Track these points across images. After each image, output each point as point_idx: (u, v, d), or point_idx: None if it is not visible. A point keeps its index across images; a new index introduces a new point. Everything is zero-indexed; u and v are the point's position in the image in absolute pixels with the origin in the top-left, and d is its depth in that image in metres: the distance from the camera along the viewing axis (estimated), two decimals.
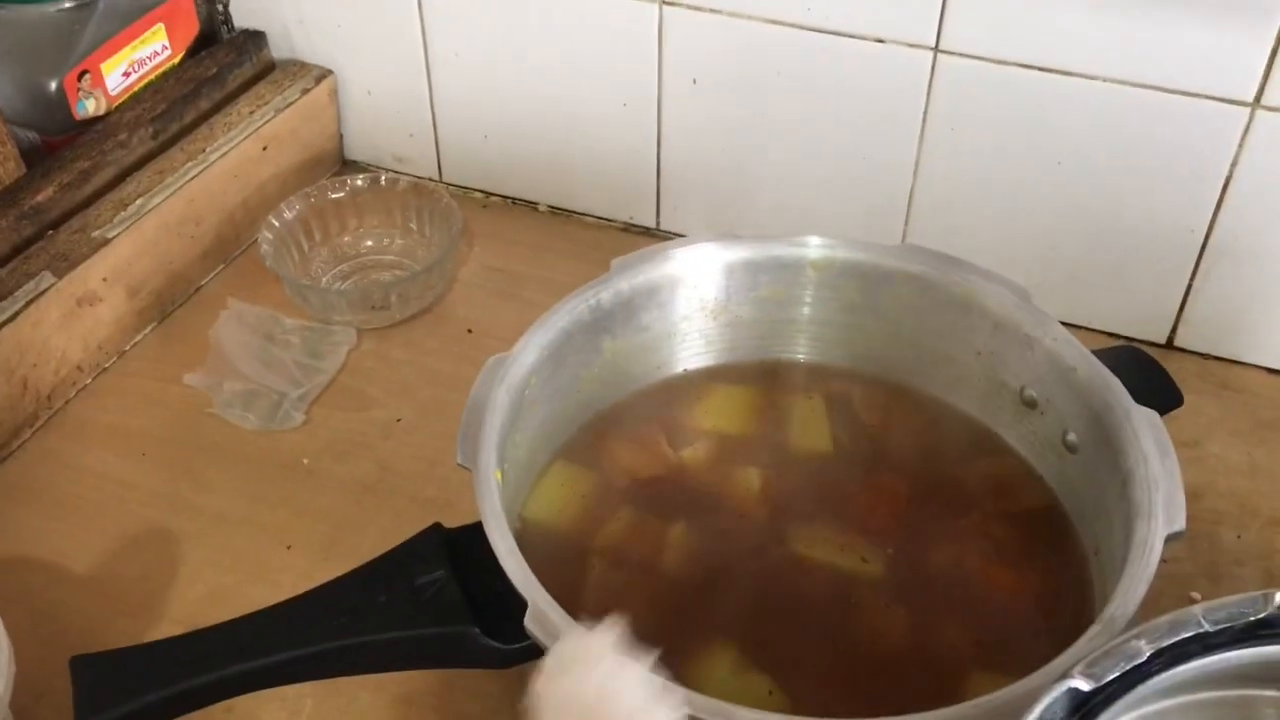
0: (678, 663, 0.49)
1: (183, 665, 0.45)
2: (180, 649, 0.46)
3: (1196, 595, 0.58)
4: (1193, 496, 0.63)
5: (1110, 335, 0.73)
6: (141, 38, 0.79)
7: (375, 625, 0.45)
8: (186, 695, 0.45)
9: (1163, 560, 0.46)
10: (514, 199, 0.85)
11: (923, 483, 0.57)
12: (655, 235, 0.82)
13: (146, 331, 0.75)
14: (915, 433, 0.59)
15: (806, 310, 0.60)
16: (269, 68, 0.84)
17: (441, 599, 0.46)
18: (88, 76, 0.76)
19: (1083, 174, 0.68)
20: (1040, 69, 0.65)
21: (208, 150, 0.76)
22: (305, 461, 0.66)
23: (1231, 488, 0.64)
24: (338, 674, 0.48)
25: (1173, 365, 0.68)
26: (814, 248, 0.59)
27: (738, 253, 0.59)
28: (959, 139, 0.70)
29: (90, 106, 0.77)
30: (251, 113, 0.80)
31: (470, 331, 0.75)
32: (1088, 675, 0.37)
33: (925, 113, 0.69)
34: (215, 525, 0.63)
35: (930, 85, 0.68)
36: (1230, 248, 0.67)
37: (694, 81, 0.74)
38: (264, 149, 0.79)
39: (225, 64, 0.81)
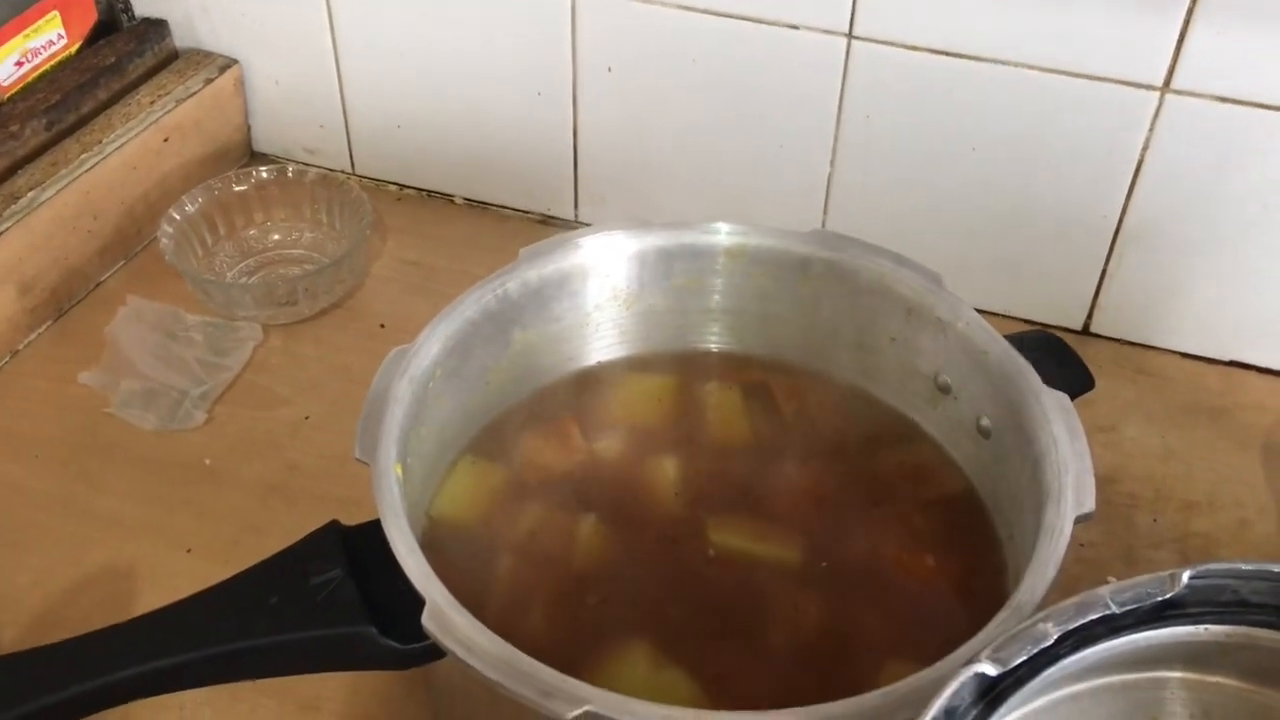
0: (592, 661, 0.48)
1: (63, 672, 0.43)
2: (60, 655, 0.44)
3: (1113, 579, 0.58)
4: (1108, 481, 0.64)
5: (1028, 323, 0.73)
6: (35, 26, 0.75)
7: (267, 627, 0.43)
8: (69, 704, 0.43)
9: (1079, 545, 0.45)
10: (429, 191, 0.83)
11: (839, 471, 0.56)
12: (574, 227, 0.81)
13: (41, 330, 0.72)
14: (831, 421, 0.58)
15: (720, 299, 0.59)
16: (171, 57, 0.81)
17: (336, 599, 0.44)
18: None
19: (997, 160, 0.68)
20: (953, 54, 0.65)
21: (105, 141, 0.74)
22: (207, 462, 0.64)
23: (1147, 471, 0.65)
24: (231, 679, 0.46)
25: (1089, 351, 0.69)
26: (725, 235, 0.58)
27: (649, 241, 0.58)
28: (875, 125, 0.69)
29: None
30: (152, 103, 0.77)
31: (383, 327, 0.73)
32: (994, 659, 0.36)
33: (841, 99, 0.69)
34: (111, 529, 0.61)
35: (845, 71, 0.68)
36: (1143, 233, 0.68)
37: (609, 69, 0.73)
38: (165, 140, 0.76)
39: (125, 53, 0.78)
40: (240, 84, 0.82)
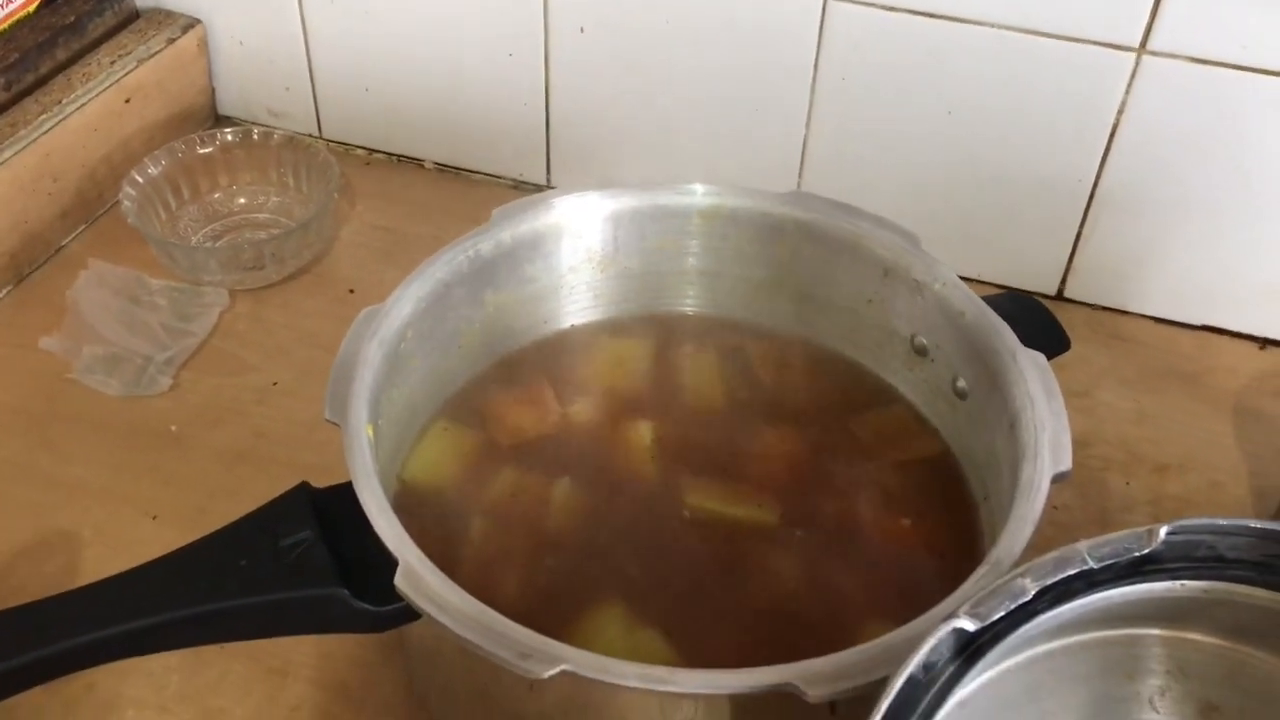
0: (567, 623, 0.47)
1: (25, 635, 0.42)
2: (23, 619, 0.43)
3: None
4: (1082, 444, 0.64)
5: (1002, 288, 0.73)
6: None
7: (236, 590, 0.42)
8: (32, 668, 0.42)
9: (1053, 508, 0.45)
10: (399, 156, 0.82)
11: (815, 434, 0.56)
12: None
13: (0, 296, 0.70)
14: (808, 384, 0.58)
15: (696, 261, 0.59)
16: (132, 16, 0.79)
17: (307, 560, 0.43)
18: None
19: (973, 123, 0.67)
20: (930, 15, 0.64)
21: (65, 102, 0.72)
22: (173, 428, 0.63)
23: (1120, 435, 0.65)
24: (200, 643, 0.45)
25: (1063, 316, 0.68)
26: (701, 196, 0.57)
27: (623, 201, 0.57)
28: (851, 88, 0.68)
29: None
30: (112, 63, 0.75)
31: (352, 292, 0.72)
32: (973, 615, 0.36)
33: (817, 61, 0.68)
34: (74, 496, 0.60)
35: (821, 32, 0.67)
36: (1118, 197, 0.68)
37: (582, 30, 0.72)
38: (127, 101, 0.75)
39: (85, 12, 0.76)
40: (203, 44, 0.80)
